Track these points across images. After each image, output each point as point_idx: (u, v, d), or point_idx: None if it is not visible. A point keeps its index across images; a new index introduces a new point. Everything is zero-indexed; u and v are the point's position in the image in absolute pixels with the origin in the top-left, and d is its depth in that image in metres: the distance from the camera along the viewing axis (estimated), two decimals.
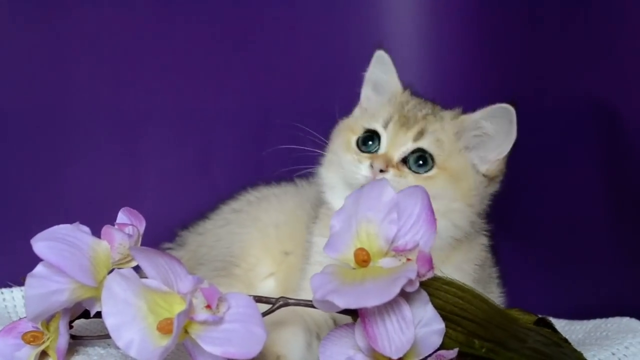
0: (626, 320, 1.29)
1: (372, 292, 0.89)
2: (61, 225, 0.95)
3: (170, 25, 1.59)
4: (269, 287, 1.35)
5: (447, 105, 1.32)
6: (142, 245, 1.05)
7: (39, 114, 1.52)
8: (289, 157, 1.58)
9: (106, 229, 0.98)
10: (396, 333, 0.93)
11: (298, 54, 1.63)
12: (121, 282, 0.91)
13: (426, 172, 1.20)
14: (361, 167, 1.20)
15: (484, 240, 1.30)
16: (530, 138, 1.43)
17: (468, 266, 1.27)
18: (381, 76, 1.29)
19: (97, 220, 1.50)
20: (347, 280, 0.92)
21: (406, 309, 0.94)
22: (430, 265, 0.93)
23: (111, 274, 0.91)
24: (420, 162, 1.20)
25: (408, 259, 0.95)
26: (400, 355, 0.93)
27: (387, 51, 1.28)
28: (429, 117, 1.22)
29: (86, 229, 0.98)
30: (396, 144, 1.20)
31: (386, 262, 0.95)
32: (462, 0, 1.60)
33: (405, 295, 0.95)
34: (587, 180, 1.37)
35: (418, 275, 0.93)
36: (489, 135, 1.22)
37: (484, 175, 1.23)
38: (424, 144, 1.20)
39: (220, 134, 1.62)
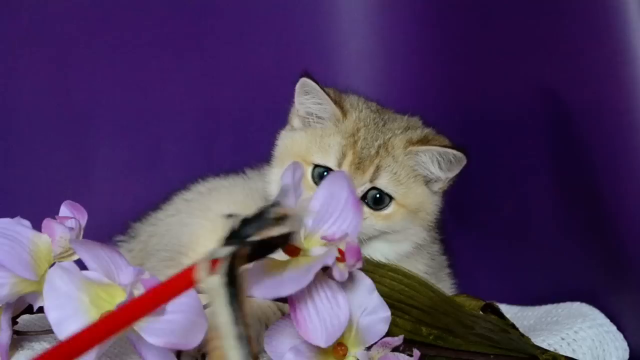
0: (577, 305, 1.30)
1: (288, 281, 0.88)
2: (0, 219, 0.95)
3: (119, 17, 1.58)
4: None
5: (399, 107, 1.34)
6: (93, 238, 1.05)
7: None
8: (239, 149, 1.60)
9: (47, 222, 0.97)
10: (329, 318, 0.92)
11: (249, 48, 1.61)
12: (62, 276, 0.90)
13: (384, 209, 1.21)
14: None
15: (435, 248, 1.33)
16: (483, 129, 1.45)
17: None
18: (313, 106, 1.25)
19: (46, 214, 1.50)
20: (272, 273, 0.91)
21: (340, 295, 0.93)
22: (358, 255, 0.92)
23: (52, 268, 0.90)
24: (378, 200, 1.20)
25: (338, 250, 0.94)
26: (331, 343, 0.92)
27: (311, 76, 1.24)
28: (381, 152, 1.21)
29: (26, 222, 0.97)
30: (356, 186, 1.19)
31: (316, 251, 0.94)
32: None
33: (350, 283, 0.95)
34: (537, 169, 1.37)
35: (347, 264, 0.92)
36: (430, 167, 1.23)
37: (436, 192, 1.26)
38: (380, 183, 1.20)
39: (170, 126, 1.61)
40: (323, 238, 0.94)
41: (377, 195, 1.20)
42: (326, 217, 0.95)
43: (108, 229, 1.44)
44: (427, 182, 1.24)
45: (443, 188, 1.26)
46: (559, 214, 1.35)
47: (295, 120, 1.28)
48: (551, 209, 1.36)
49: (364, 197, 1.20)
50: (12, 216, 0.98)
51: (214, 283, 0.75)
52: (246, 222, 0.79)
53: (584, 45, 1.25)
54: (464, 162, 1.21)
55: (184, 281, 0.77)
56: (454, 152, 1.20)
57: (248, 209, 1.34)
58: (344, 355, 0.97)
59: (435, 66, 1.56)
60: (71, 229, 0.97)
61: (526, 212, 1.42)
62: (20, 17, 1.54)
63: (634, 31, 1.14)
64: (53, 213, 1.50)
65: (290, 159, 1.21)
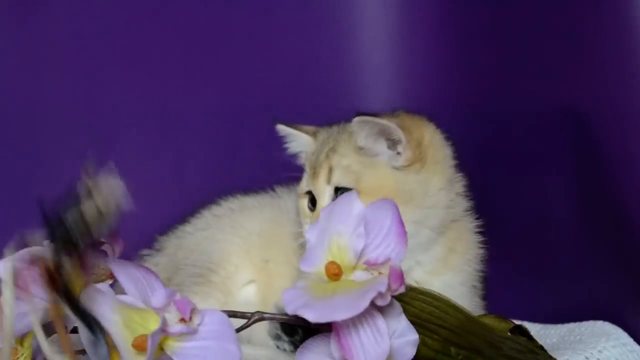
0: (600, 324, 1.29)
1: (342, 305, 0.89)
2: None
3: (140, 31, 1.58)
4: (248, 295, 1.34)
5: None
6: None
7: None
8: (261, 164, 1.59)
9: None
10: (371, 345, 0.93)
11: (271, 59, 1.62)
12: (96, 297, 0.90)
13: None
14: (306, 228, 1.24)
15: (477, 237, 1.30)
16: (503, 142, 1.44)
17: (469, 266, 1.28)
18: (294, 145, 1.34)
19: None
20: (318, 294, 0.92)
21: (380, 321, 0.94)
22: (402, 279, 0.92)
23: (86, 289, 0.90)
24: None
25: (380, 273, 0.94)
26: None
27: (281, 121, 1.33)
28: (329, 154, 1.24)
29: None
30: (319, 194, 1.23)
31: (358, 276, 0.95)
32: (434, 5, 1.59)
33: (379, 308, 0.94)
34: (559, 184, 1.37)
35: (389, 289, 0.92)
36: (371, 145, 1.21)
37: (406, 166, 1.21)
38: (335, 180, 1.22)
39: (193, 139, 1.62)
40: (366, 262, 0.94)
41: (343, 192, 1.18)
42: (368, 242, 0.95)
43: (132, 243, 1.43)
44: (392, 163, 1.22)
45: (410, 162, 1.21)
46: (582, 230, 1.34)
47: None
48: (575, 225, 1.35)
49: None
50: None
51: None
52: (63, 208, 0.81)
53: (607, 60, 1.25)
54: (393, 127, 1.18)
55: None
56: (354, 120, 1.19)
57: (278, 227, 1.36)
58: None
59: (455, 78, 1.56)
60: (106, 255, 0.96)
61: (550, 229, 1.41)
62: (43, 26, 1.55)
63: None
64: None
65: (298, 202, 1.31)
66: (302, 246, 1.26)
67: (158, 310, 0.91)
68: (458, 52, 1.55)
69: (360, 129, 1.20)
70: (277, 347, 1.12)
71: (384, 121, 1.17)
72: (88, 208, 0.82)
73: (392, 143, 1.20)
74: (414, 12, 1.60)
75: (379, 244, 0.96)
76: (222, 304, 1.30)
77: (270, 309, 1.28)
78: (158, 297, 0.91)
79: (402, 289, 0.93)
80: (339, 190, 1.22)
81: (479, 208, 1.32)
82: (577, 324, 1.34)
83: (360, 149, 1.22)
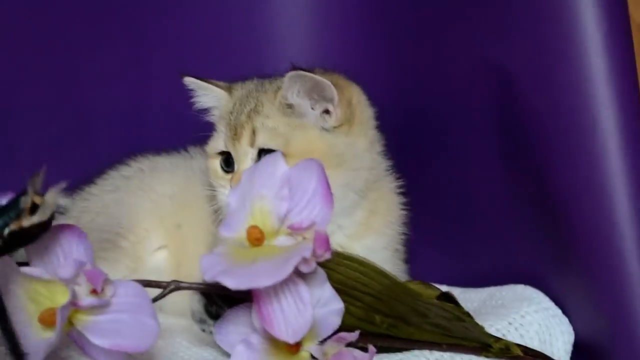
0: (521, 288, 1.26)
1: (264, 271, 0.83)
2: None
3: None
4: (159, 261, 1.27)
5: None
6: None
7: None
8: (169, 125, 1.51)
9: None
10: (293, 315, 0.88)
11: (179, 10, 1.54)
12: None
13: None
14: (225, 192, 1.17)
15: (399, 198, 1.26)
16: (429, 104, 1.40)
17: (391, 229, 1.24)
18: (205, 100, 1.26)
19: None
20: (239, 260, 0.86)
21: (303, 289, 0.89)
22: (327, 245, 0.87)
23: None
24: None
25: (304, 238, 0.88)
26: (298, 338, 0.88)
27: (190, 74, 1.24)
28: (252, 115, 1.16)
29: None
30: (240, 157, 1.16)
31: (281, 241, 0.89)
32: None
33: (302, 275, 0.89)
34: (481, 143, 1.32)
35: (315, 255, 0.87)
36: (302, 103, 1.15)
37: (336, 127, 1.16)
38: (260, 142, 1.15)
39: (99, 95, 1.52)
40: (290, 227, 0.88)
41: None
42: (292, 206, 0.89)
43: None
44: (320, 124, 1.16)
45: (340, 123, 1.16)
46: (503, 191, 1.31)
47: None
48: (496, 186, 1.31)
49: None
50: None
51: None
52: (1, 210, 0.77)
53: (532, 21, 1.21)
54: (327, 84, 1.12)
55: None
56: (289, 75, 1.12)
57: (191, 190, 1.29)
58: (297, 350, 0.92)
59: (374, 35, 1.50)
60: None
61: (469, 189, 1.37)
62: None
63: (583, 7, 1.09)
64: None
65: (208, 162, 1.23)
66: (216, 210, 1.20)
67: (67, 282, 0.83)
68: (377, 8, 1.49)
69: (293, 84, 1.13)
70: (203, 330, 1.05)
71: (319, 77, 1.11)
72: (25, 222, 0.78)
73: (322, 102, 1.15)
74: None
75: (303, 207, 0.90)
76: (132, 271, 1.23)
77: (184, 276, 1.22)
78: (67, 267, 0.83)
79: (327, 255, 0.88)
80: (262, 153, 1.14)
81: (400, 168, 1.27)
82: (497, 287, 1.30)
83: (287, 108, 1.15)
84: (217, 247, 0.87)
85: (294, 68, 1.11)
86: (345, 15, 1.53)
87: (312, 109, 1.15)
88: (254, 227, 0.89)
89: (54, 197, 0.80)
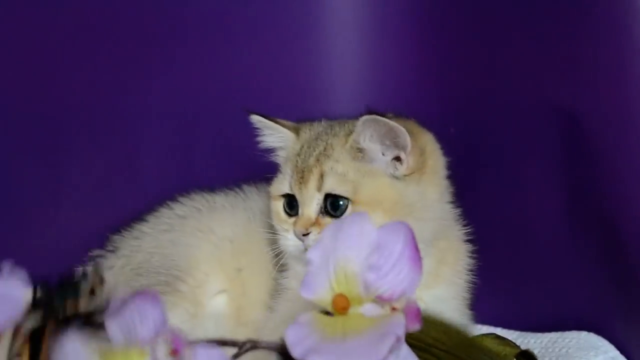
0: (584, 335, 1.23)
1: (357, 351, 0.76)
2: None
3: (89, 21, 1.43)
4: (218, 305, 1.21)
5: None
6: (66, 253, 0.92)
7: None
8: (218, 161, 1.47)
9: None
10: None
11: (231, 54, 1.48)
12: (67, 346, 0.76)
13: (343, 213, 1.10)
14: (288, 236, 1.13)
15: (467, 247, 1.21)
16: (488, 141, 1.35)
17: (460, 278, 1.19)
18: (271, 140, 1.21)
19: (14, 228, 1.34)
20: (327, 334, 0.79)
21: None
22: (419, 318, 0.82)
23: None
24: (334, 205, 1.11)
25: (393, 308, 0.83)
26: None
27: (256, 112, 1.19)
28: (321, 158, 1.12)
29: (17, 281, 0.80)
30: (306, 201, 1.12)
31: (368, 310, 0.82)
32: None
33: None
34: (543, 185, 1.29)
35: (408, 329, 0.81)
36: (374, 148, 1.11)
37: (407, 176, 1.12)
38: (327, 187, 1.10)
39: (148, 135, 1.47)
40: (379, 297, 0.83)
41: (333, 201, 1.10)
42: (381, 273, 0.84)
43: (82, 242, 1.29)
44: (390, 171, 1.12)
45: (411, 171, 1.12)
46: (568, 234, 1.28)
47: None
48: (561, 228, 1.28)
49: (325, 209, 1.11)
50: None
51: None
52: (59, 289, 0.74)
53: (597, 56, 1.19)
54: (403, 132, 1.08)
55: None
56: (363, 119, 1.08)
57: (251, 232, 1.24)
58: None
59: (432, 74, 1.45)
60: None
61: (533, 230, 1.34)
62: None
63: None
64: (21, 226, 1.38)
65: (271, 204, 1.19)
66: (277, 254, 1.16)
67: (146, 345, 0.78)
68: (435, 44, 1.44)
69: (366, 129, 1.09)
70: None
71: (394, 123, 1.07)
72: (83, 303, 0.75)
73: (394, 149, 1.10)
74: (386, 3, 1.48)
75: (388, 270, 0.85)
76: (192, 316, 1.17)
77: (244, 321, 1.20)
78: (146, 329, 0.78)
79: (417, 327, 0.82)
80: (328, 198, 1.10)
81: (459, 205, 1.23)
82: (559, 333, 1.27)
83: (357, 153, 1.11)
84: (301, 315, 0.82)
85: (369, 112, 1.06)
86: (402, 50, 1.48)
87: (383, 154, 1.11)
88: (341, 297, 0.83)
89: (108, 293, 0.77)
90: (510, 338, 1.25)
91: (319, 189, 1.10)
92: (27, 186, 1.39)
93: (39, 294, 0.72)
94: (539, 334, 1.29)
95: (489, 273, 1.35)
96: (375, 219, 1.03)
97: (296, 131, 1.18)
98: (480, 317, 1.25)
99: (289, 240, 1.12)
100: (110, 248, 1.28)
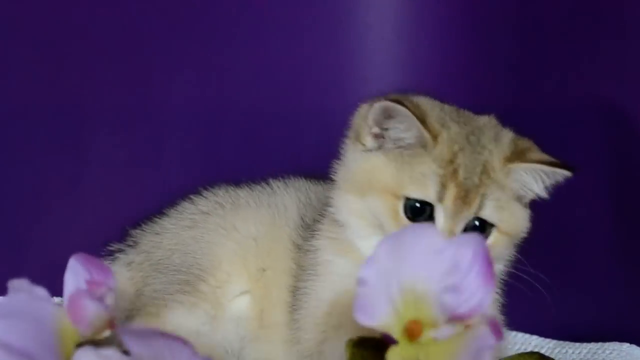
0: (626, 347, 1.15)
1: None
2: (14, 292, 0.70)
3: (121, 10, 1.34)
4: (240, 307, 1.11)
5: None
6: (85, 245, 0.84)
7: None
8: (249, 152, 1.38)
9: (77, 300, 0.72)
10: None
11: (258, 43, 1.37)
12: None
13: (485, 238, 1.00)
14: None
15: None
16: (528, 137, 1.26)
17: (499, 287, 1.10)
18: (398, 132, 1.01)
19: (34, 219, 1.26)
20: None
21: None
22: (501, 332, 0.72)
23: (81, 351, 0.68)
24: (477, 229, 0.99)
25: (466, 326, 0.74)
26: None
27: (401, 101, 0.99)
28: (483, 179, 0.99)
29: (42, 292, 0.71)
30: (457, 220, 0.98)
31: (443, 333, 0.73)
32: None
33: None
34: (590, 189, 1.20)
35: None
36: (530, 182, 1.03)
37: (526, 205, 1.06)
38: (484, 213, 0.99)
39: (172, 125, 1.38)
40: (453, 317, 0.73)
41: (477, 224, 0.99)
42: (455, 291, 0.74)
43: (102, 235, 1.21)
44: (521, 197, 1.04)
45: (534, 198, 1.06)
46: (613, 239, 1.21)
47: (367, 140, 1.03)
48: (604, 232, 1.21)
49: (465, 229, 1.00)
50: None
51: None
52: None
53: None
54: (569, 176, 1.02)
55: None
56: (563, 171, 1.01)
57: (277, 230, 1.15)
58: None
59: (474, 69, 1.34)
60: (106, 306, 0.72)
61: (574, 232, 1.25)
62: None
63: None
64: (41, 217, 1.31)
65: (371, 187, 1.01)
66: None
67: None
68: (478, 38, 1.34)
69: (535, 180, 1.02)
70: None
71: (563, 171, 1.01)
72: None
73: (547, 183, 1.03)
74: None
75: (465, 288, 0.75)
76: (211, 317, 1.08)
77: (267, 324, 1.10)
78: None
79: (501, 340, 0.73)
80: (476, 220, 0.99)
81: None
82: (599, 344, 1.19)
83: (515, 181, 1.02)
84: None
85: (540, 160, 1.01)
86: (440, 42, 1.37)
87: (542, 187, 1.04)
88: (415, 323, 0.73)
89: None
90: (546, 348, 1.21)
91: (476, 211, 0.99)
92: (48, 178, 1.32)
93: None
94: (578, 344, 1.21)
95: (525, 278, 1.27)
96: (500, 247, 1.03)
97: (431, 131, 1.00)
98: (515, 324, 1.17)
99: None
100: (130, 242, 1.19)
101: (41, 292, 0.71)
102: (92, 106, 1.33)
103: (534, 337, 1.24)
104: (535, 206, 1.20)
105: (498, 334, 0.70)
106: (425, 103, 1.04)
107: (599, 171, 1.19)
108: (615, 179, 1.18)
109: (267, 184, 1.20)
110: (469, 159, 0.99)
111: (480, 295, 0.73)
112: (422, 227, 0.76)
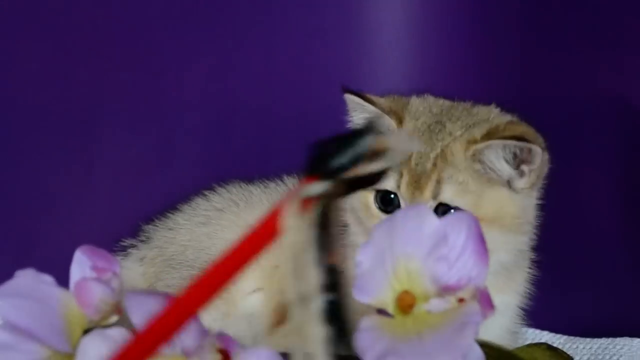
0: (637, 343, 1.14)
1: (438, 347, 0.67)
2: (20, 276, 0.71)
3: (132, 17, 1.33)
4: (253, 304, 1.12)
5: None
6: (97, 241, 0.83)
7: None
8: (261, 149, 1.38)
9: (83, 284, 0.73)
10: None
11: (269, 42, 1.37)
12: (101, 347, 0.68)
13: None
14: None
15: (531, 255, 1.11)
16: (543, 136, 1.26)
17: (525, 287, 1.11)
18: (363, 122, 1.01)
19: (45, 214, 1.26)
20: (399, 334, 0.70)
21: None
22: (491, 304, 0.72)
23: (89, 336, 0.69)
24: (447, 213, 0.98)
25: (460, 299, 0.74)
26: None
27: (353, 91, 1.03)
28: (439, 163, 0.99)
29: (48, 278, 0.71)
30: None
31: (435, 305, 0.72)
32: None
33: None
34: (602, 185, 1.20)
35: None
36: (499, 161, 1.00)
37: (523, 189, 1.02)
38: (444, 197, 0.98)
39: (184, 121, 1.36)
40: (445, 288, 0.73)
41: (446, 212, 0.98)
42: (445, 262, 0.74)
43: (114, 232, 1.21)
44: (507, 181, 1.01)
45: (531, 185, 1.03)
46: (621, 231, 1.19)
47: None
48: (615, 227, 1.20)
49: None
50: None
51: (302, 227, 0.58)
52: (335, 150, 0.59)
53: None
54: (539, 151, 0.98)
55: (266, 231, 0.60)
56: (519, 143, 0.97)
57: (290, 230, 1.15)
58: None
59: (485, 65, 1.34)
60: (113, 289, 0.73)
61: (585, 227, 1.24)
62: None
63: None
64: (52, 213, 1.31)
65: None
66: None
67: (189, 355, 0.70)
68: (487, 36, 1.33)
69: (494, 148, 0.98)
70: None
71: (530, 145, 0.97)
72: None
73: (521, 163, 1.00)
74: None
75: (453, 264, 0.75)
76: (224, 315, 1.08)
77: (280, 319, 1.08)
78: (189, 336, 0.70)
79: (491, 314, 0.73)
80: (440, 207, 0.99)
81: None
82: (610, 340, 1.17)
83: (479, 163, 0.99)
84: (365, 319, 0.73)
85: (505, 136, 0.97)
86: (450, 41, 1.37)
87: (508, 166, 1.00)
88: (406, 293, 0.74)
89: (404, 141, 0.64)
90: (557, 343, 1.20)
91: (435, 196, 0.99)
92: (59, 173, 1.30)
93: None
94: (589, 340, 1.20)
95: (536, 274, 1.27)
96: (492, 236, 0.93)
97: (398, 119, 1.04)
98: (526, 319, 1.15)
99: None
100: (143, 238, 1.20)
101: (48, 278, 0.71)
102: (103, 100, 1.32)
103: (545, 332, 1.23)
104: (546, 201, 1.21)
105: (488, 306, 0.70)
106: (409, 99, 1.07)
107: (611, 167, 1.18)
108: (625, 174, 1.17)
109: (282, 180, 1.20)
110: (425, 146, 1.00)
111: (474, 271, 0.73)
112: (412, 209, 0.76)
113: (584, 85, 1.21)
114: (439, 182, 0.98)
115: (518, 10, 1.29)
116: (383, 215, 1.01)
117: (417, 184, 0.99)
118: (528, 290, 1.10)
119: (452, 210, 0.97)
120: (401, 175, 0.99)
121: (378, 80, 1.34)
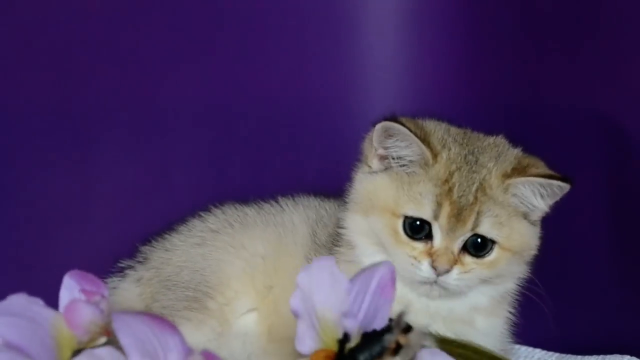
0: None
1: None
2: (13, 297, 0.71)
3: (126, 28, 1.33)
4: (247, 324, 1.12)
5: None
6: (95, 263, 0.85)
7: None
8: (251, 171, 1.38)
9: (73, 305, 0.73)
10: None
11: (264, 64, 1.38)
12: None
13: (486, 255, 1.02)
14: (421, 267, 1.00)
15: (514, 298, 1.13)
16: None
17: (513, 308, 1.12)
18: (398, 150, 1.03)
19: (43, 238, 1.26)
20: None
21: None
22: None
23: (79, 358, 0.69)
24: (479, 246, 1.01)
25: None
26: None
27: (398, 119, 1.02)
28: (479, 196, 1.00)
29: (38, 300, 0.72)
30: (454, 237, 1.00)
31: None
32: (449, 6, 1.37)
33: None
34: (590, 203, 1.20)
35: None
36: (530, 197, 1.03)
37: (535, 222, 1.06)
38: (482, 230, 1.00)
39: (180, 144, 1.37)
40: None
41: (479, 241, 1.01)
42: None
43: (112, 253, 1.22)
44: (526, 214, 1.04)
45: (542, 216, 1.06)
46: (608, 250, 1.20)
47: (374, 162, 1.05)
48: (604, 245, 1.21)
49: (464, 246, 1.01)
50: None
51: None
52: (361, 346, 0.70)
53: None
54: (567, 188, 1.02)
55: None
56: (559, 183, 1.01)
57: (284, 248, 1.15)
58: None
59: (470, 79, 1.36)
60: (102, 311, 0.74)
61: (574, 245, 1.25)
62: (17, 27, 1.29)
63: None
64: (50, 236, 1.31)
65: (373, 206, 1.04)
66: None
67: None
68: (476, 52, 1.35)
69: (533, 193, 1.03)
70: None
71: (561, 183, 1.01)
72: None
73: (547, 200, 1.04)
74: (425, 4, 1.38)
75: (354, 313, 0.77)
76: (218, 334, 1.09)
77: (274, 341, 1.09)
78: (174, 355, 0.70)
79: None
80: (474, 237, 1.01)
81: None
82: (601, 357, 1.19)
83: (512, 197, 1.02)
84: None
85: (541, 174, 1.01)
86: (441, 57, 1.39)
87: (536, 202, 1.04)
88: (321, 351, 0.76)
89: (419, 339, 0.72)
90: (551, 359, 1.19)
91: (473, 228, 1.00)
92: (55, 194, 1.31)
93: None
94: (580, 357, 1.21)
95: (528, 292, 1.27)
96: (511, 266, 1.05)
97: (431, 150, 1.02)
98: (518, 337, 1.16)
99: (422, 271, 1.00)
100: (140, 259, 1.20)
101: (38, 300, 0.72)
102: (99, 120, 1.32)
103: (537, 350, 1.25)
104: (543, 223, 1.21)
105: None
106: (430, 125, 1.07)
107: (599, 186, 1.19)
108: (615, 191, 1.17)
109: (276, 201, 1.21)
110: (464, 177, 1.01)
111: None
112: (324, 260, 0.79)
113: (571, 103, 1.22)
114: (479, 215, 1.00)
115: (510, 32, 1.30)
116: (412, 242, 1.02)
117: (459, 216, 1.00)
118: (514, 312, 1.11)
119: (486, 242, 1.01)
120: (439, 205, 1.00)
121: (370, 101, 1.36)
